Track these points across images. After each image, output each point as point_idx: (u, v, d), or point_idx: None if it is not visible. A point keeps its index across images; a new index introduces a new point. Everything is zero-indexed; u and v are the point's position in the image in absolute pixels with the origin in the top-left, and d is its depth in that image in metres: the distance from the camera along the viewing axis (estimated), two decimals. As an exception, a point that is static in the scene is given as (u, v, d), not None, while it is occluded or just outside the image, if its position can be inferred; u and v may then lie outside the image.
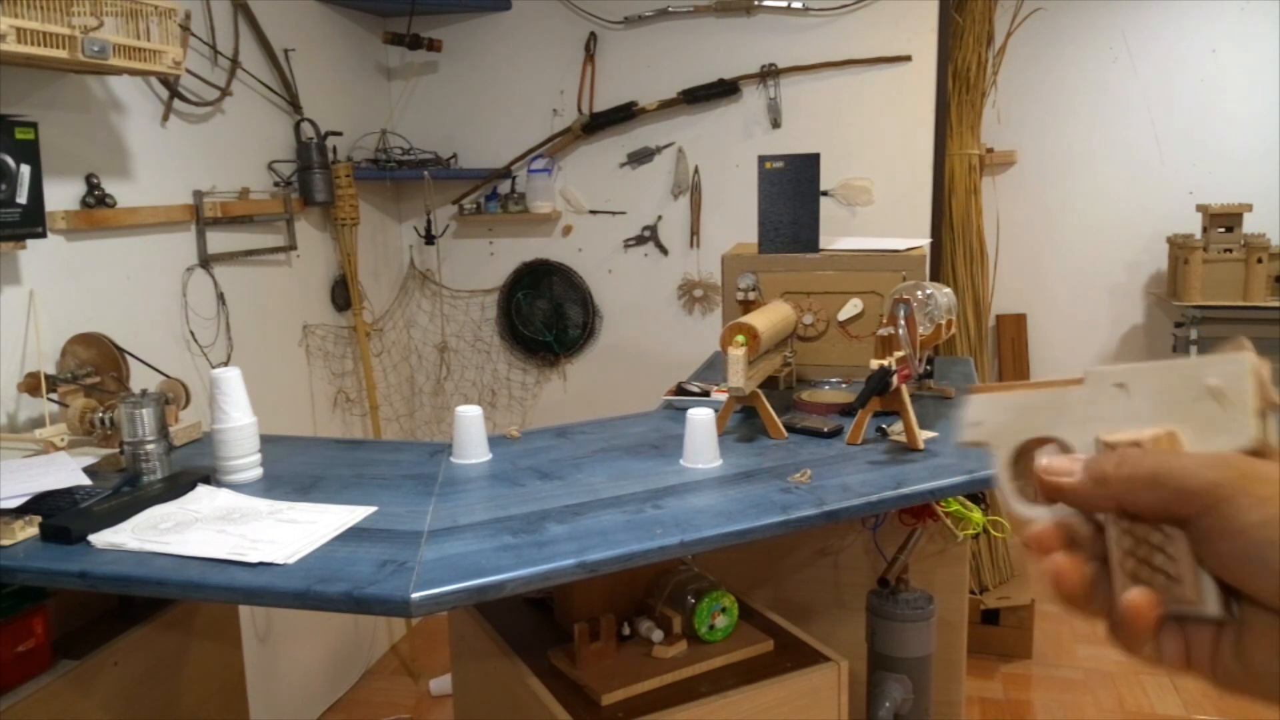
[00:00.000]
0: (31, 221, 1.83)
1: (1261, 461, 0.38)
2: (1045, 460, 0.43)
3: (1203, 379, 0.42)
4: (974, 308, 3.99)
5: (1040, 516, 0.44)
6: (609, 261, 3.45)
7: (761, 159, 2.32)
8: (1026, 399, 0.47)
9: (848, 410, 1.87)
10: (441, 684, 2.86)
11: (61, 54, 1.69)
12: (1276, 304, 3.56)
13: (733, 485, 1.54)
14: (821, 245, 2.30)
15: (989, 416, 0.48)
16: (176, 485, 1.53)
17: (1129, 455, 0.40)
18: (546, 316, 3.52)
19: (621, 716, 1.49)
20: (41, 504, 1.42)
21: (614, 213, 3.42)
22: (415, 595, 1.16)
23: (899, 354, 1.68)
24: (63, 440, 1.76)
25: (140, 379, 1.97)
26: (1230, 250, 3.59)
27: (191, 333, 2.42)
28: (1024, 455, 0.47)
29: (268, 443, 1.68)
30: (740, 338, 1.73)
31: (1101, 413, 0.44)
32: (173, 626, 1.78)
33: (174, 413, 1.84)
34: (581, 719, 1.50)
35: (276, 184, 2.78)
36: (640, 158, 3.36)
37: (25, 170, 1.80)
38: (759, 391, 1.78)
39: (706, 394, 2.05)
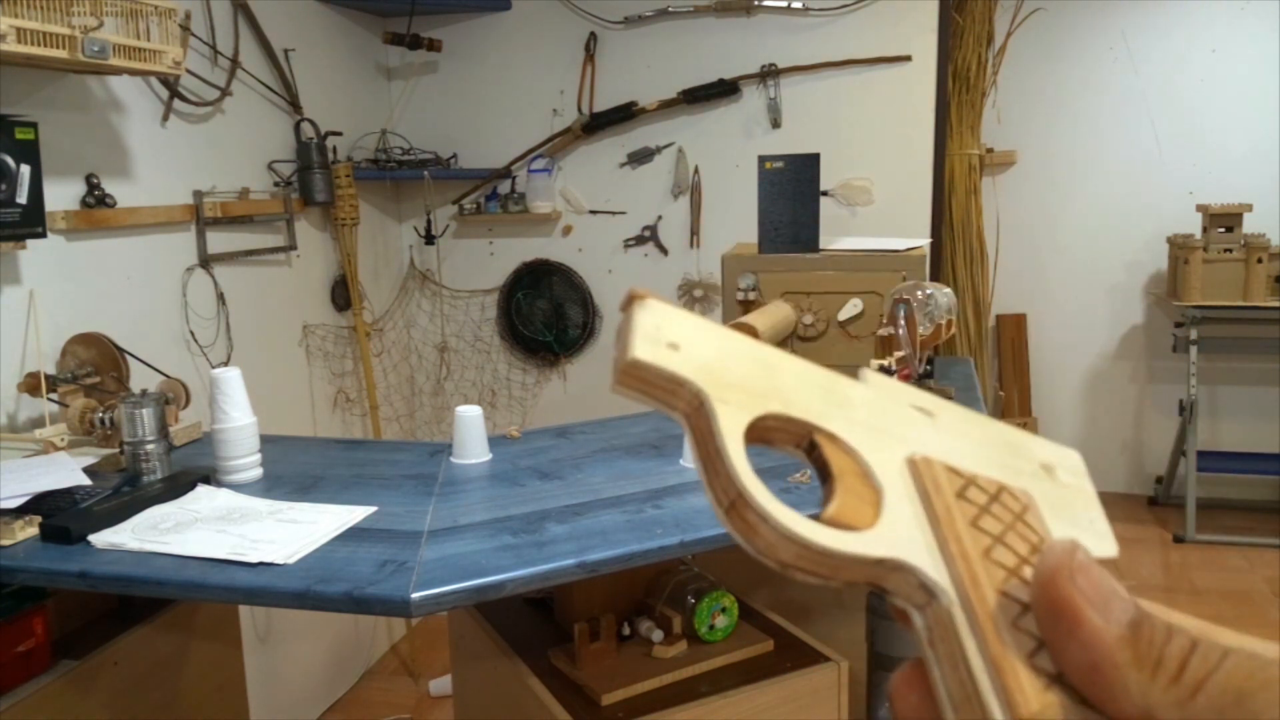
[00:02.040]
0: (31, 221, 1.83)
1: None
2: (1081, 558, 0.25)
3: (1033, 453, 0.30)
4: (974, 308, 3.99)
5: (838, 549, 0.26)
6: (609, 261, 3.45)
7: (761, 159, 2.32)
8: (758, 350, 0.28)
9: (848, 410, 1.87)
10: (441, 684, 2.86)
11: (61, 54, 1.69)
12: (1276, 304, 3.56)
13: (733, 485, 1.54)
14: (821, 245, 2.30)
15: (691, 342, 0.27)
16: (176, 485, 1.53)
17: (1206, 652, 0.23)
18: (546, 316, 3.52)
19: (621, 716, 1.49)
20: (41, 504, 1.41)
21: (614, 213, 3.42)
22: (415, 595, 1.16)
23: (899, 354, 1.68)
24: (63, 440, 1.76)
25: (140, 379, 1.97)
26: (1230, 250, 3.59)
27: (191, 333, 2.42)
28: (765, 436, 0.28)
29: (268, 443, 1.68)
30: (740, 338, 1.73)
31: (900, 429, 0.29)
32: (173, 626, 1.78)
33: (174, 413, 1.84)
34: (581, 719, 1.50)
35: (276, 184, 2.78)
36: (640, 158, 3.36)
37: (25, 170, 1.80)
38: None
39: (706, 394, 2.05)
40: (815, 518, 0.27)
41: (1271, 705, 0.22)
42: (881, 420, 0.29)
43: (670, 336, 0.27)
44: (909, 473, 0.28)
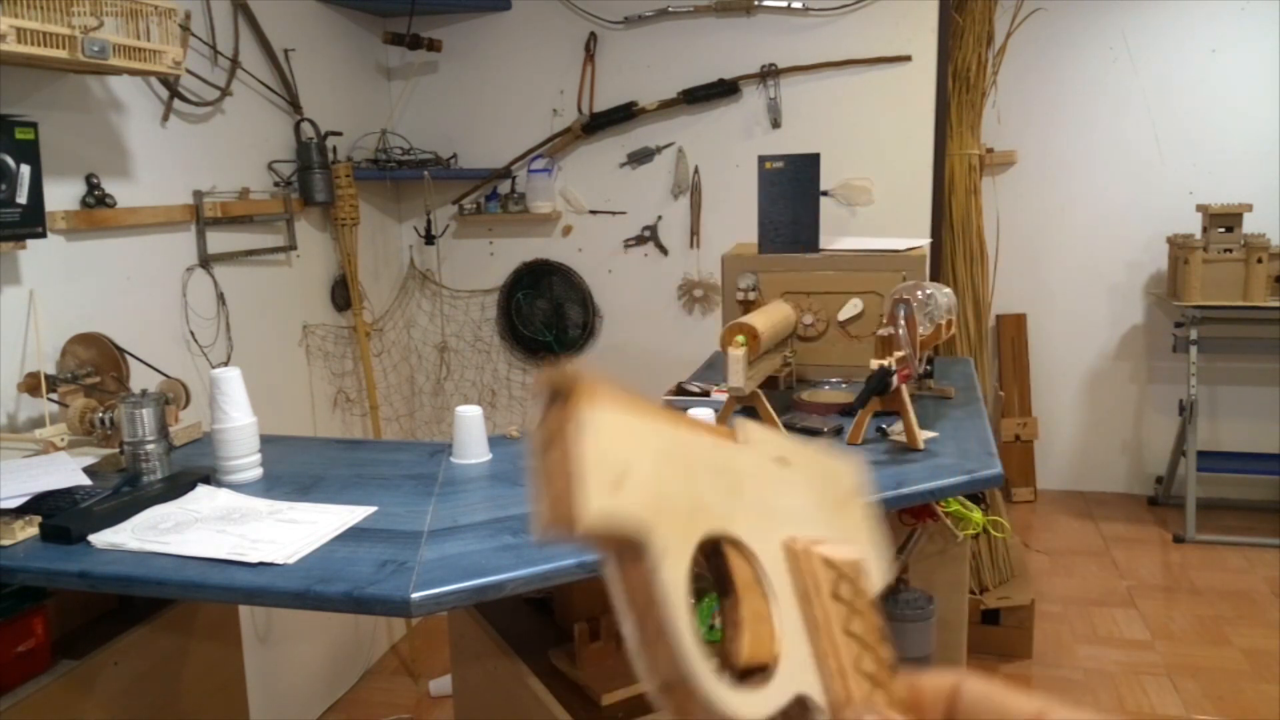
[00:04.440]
0: (31, 221, 1.83)
1: None
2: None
3: (843, 480, 0.30)
4: (974, 308, 3.99)
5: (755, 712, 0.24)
6: (609, 261, 3.45)
7: (761, 159, 2.32)
8: (675, 437, 0.24)
9: (848, 410, 1.87)
10: (441, 684, 2.86)
11: (61, 54, 1.69)
12: (1276, 304, 3.56)
13: (733, 485, 1.54)
14: (821, 245, 2.30)
15: (633, 461, 0.22)
16: (176, 485, 1.53)
17: None
18: (546, 316, 3.52)
19: (621, 716, 1.49)
20: (41, 504, 1.41)
21: (614, 213, 3.42)
22: (415, 595, 1.16)
23: (899, 354, 1.68)
24: (63, 440, 1.76)
25: (140, 379, 1.97)
26: (1230, 250, 3.59)
27: (191, 333, 2.42)
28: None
29: (268, 443, 1.68)
30: (740, 338, 1.73)
31: (774, 499, 0.27)
32: (173, 626, 1.78)
33: (174, 413, 1.84)
34: (581, 719, 1.50)
35: (276, 184, 2.78)
36: (640, 158, 3.36)
37: (25, 170, 1.80)
38: (759, 392, 1.78)
39: (706, 394, 2.05)
40: (726, 656, 0.25)
41: None
42: (762, 494, 0.26)
43: (616, 465, 0.22)
44: (789, 565, 0.26)
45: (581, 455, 0.21)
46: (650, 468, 0.23)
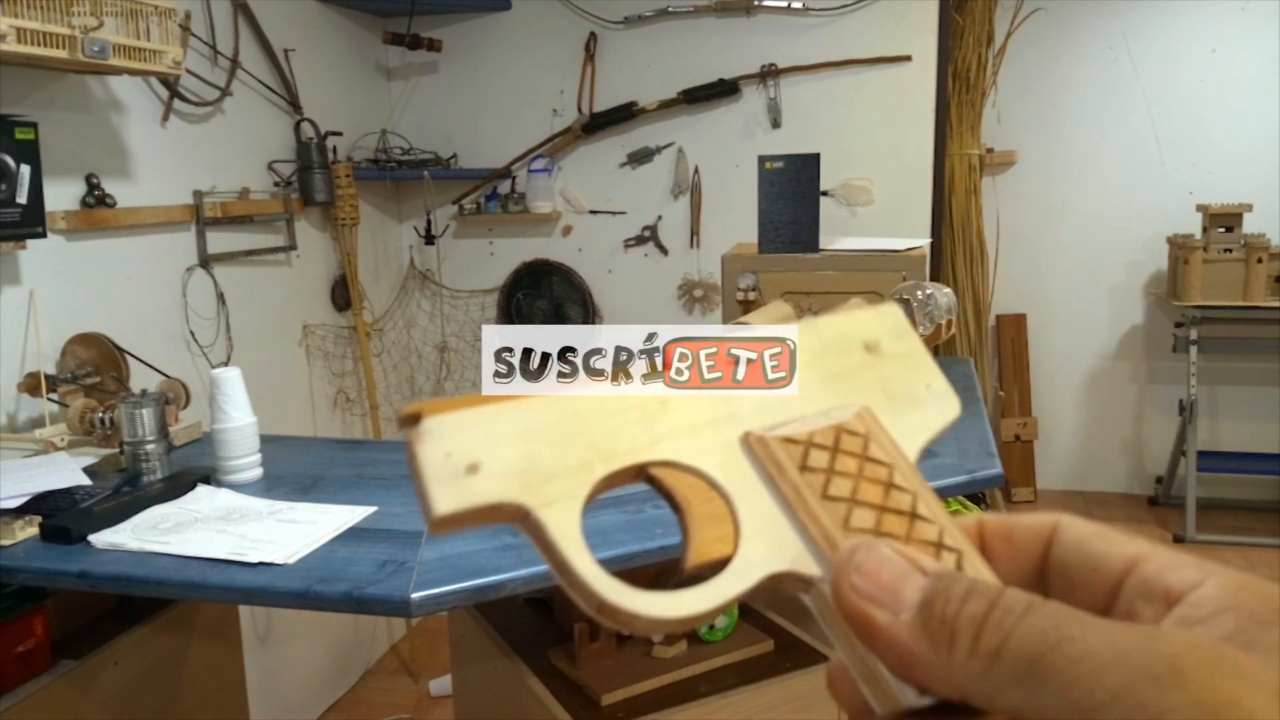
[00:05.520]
0: (31, 221, 1.83)
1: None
2: (860, 557, 0.24)
3: (855, 336, 0.30)
4: (974, 308, 3.99)
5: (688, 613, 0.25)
6: (609, 261, 3.45)
7: (761, 159, 2.32)
8: (558, 408, 0.26)
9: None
10: (441, 684, 2.86)
11: (61, 54, 1.69)
12: (1276, 304, 3.56)
13: (733, 485, 1.54)
14: (821, 245, 2.30)
15: (488, 449, 0.25)
16: (176, 485, 1.53)
17: (1001, 616, 0.22)
18: (546, 316, 3.52)
19: (621, 716, 1.49)
20: (41, 504, 1.41)
21: (614, 213, 3.42)
22: (415, 595, 1.16)
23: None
24: (63, 440, 1.76)
25: (140, 379, 1.97)
26: (1230, 250, 3.59)
27: (191, 333, 2.42)
28: (602, 489, 0.27)
29: (268, 443, 1.68)
30: (740, 338, 1.73)
31: (726, 402, 0.28)
32: (173, 626, 1.78)
33: (174, 413, 1.84)
34: (581, 719, 1.50)
35: (276, 184, 2.78)
36: (640, 158, 3.36)
37: (25, 170, 1.80)
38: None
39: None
40: (680, 562, 0.27)
41: (1062, 668, 0.21)
42: (703, 410, 0.28)
43: (465, 458, 0.25)
44: (748, 457, 0.27)
45: (423, 459, 0.25)
46: (512, 448, 0.25)
